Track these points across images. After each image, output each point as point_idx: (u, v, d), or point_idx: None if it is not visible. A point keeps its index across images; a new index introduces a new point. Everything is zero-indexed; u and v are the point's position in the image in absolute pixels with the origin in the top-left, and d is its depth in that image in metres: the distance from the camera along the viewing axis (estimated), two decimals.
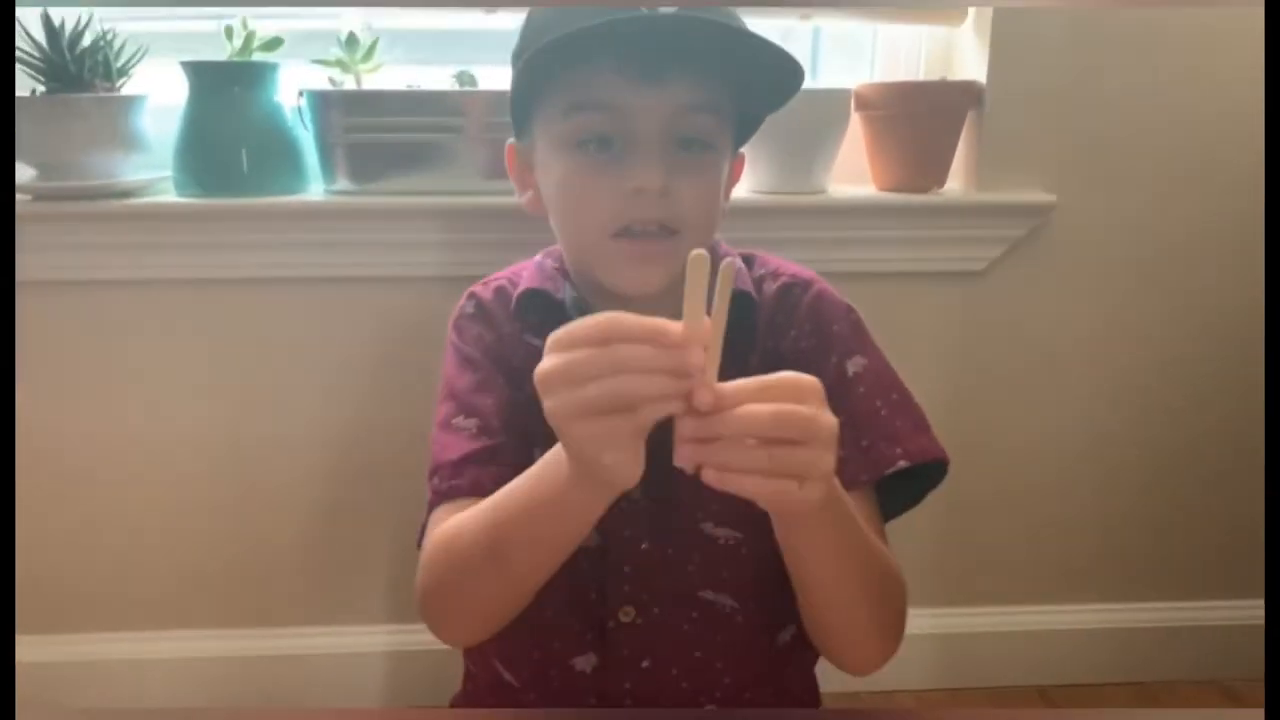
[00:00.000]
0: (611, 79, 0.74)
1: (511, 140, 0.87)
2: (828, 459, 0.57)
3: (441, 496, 0.80)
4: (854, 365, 0.84)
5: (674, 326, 0.53)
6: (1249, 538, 1.47)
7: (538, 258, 0.91)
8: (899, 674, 1.41)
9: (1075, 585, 1.50)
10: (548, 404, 0.55)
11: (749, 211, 1.25)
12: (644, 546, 0.82)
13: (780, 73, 0.75)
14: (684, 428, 0.55)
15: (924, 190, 1.29)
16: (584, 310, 0.83)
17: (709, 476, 0.55)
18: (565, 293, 0.85)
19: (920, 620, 1.43)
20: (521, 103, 0.82)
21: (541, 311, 0.85)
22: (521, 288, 0.87)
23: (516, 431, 0.82)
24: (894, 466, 0.81)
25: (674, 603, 0.83)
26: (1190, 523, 1.48)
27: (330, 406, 1.33)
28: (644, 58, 0.73)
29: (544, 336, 0.80)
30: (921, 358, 1.36)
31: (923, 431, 0.83)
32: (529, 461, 0.76)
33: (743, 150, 0.89)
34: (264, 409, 1.32)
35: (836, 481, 0.66)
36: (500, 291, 0.89)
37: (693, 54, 0.74)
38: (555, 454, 0.65)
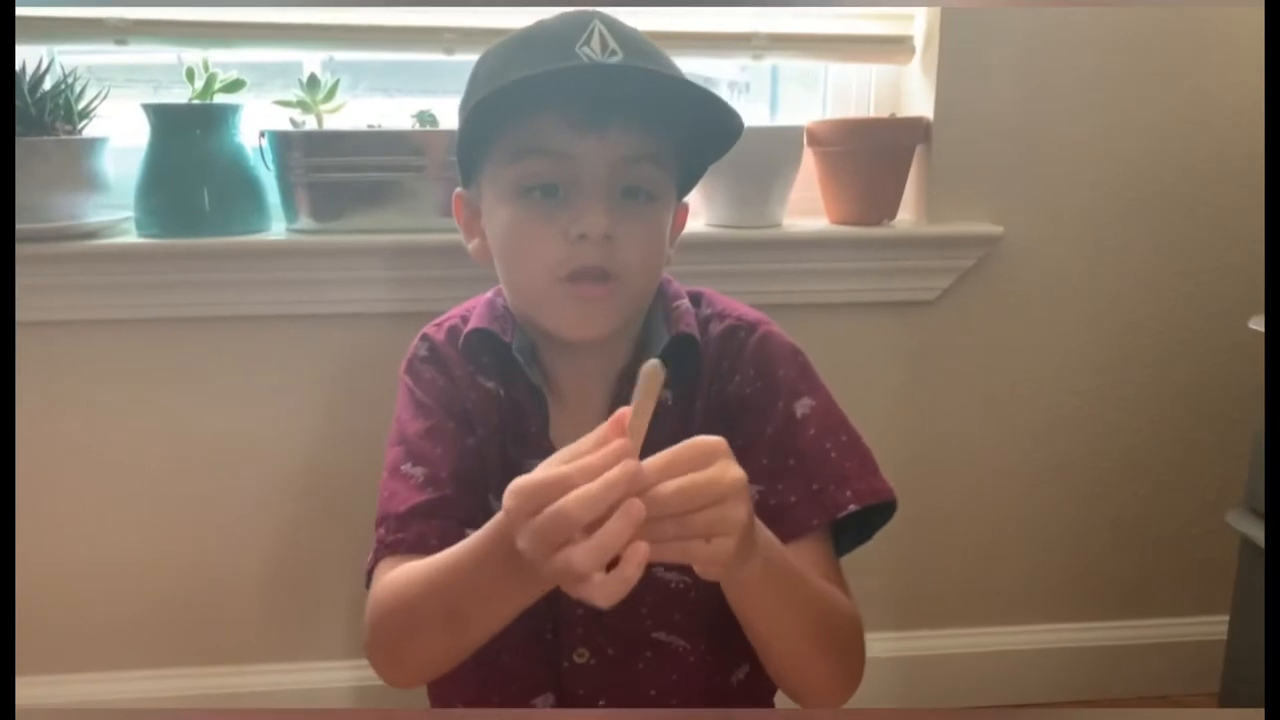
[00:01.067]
0: (556, 126, 0.75)
1: (459, 189, 0.88)
2: (736, 512, 0.58)
3: (387, 549, 0.80)
4: (801, 407, 0.84)
5: (623, 446, 0.56)
6: (1201, 554, 1.51)
7: (489, 295, 0.91)
8: (859, 698, 1.42)
9: (1032, 606, 1.51)
10: (541, 572, 0.57)
11: (707, 245, 1.27)
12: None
13: (719, 121, 0.77)
14: None
15: (875, 223, 1.32)
16: (529, 354, 0.84)
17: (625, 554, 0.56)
18: (514, 334, 0.86)
19: (879, 644, 1.45)
20: (468, 151, 0.83)
21: (489, 352, 0.86)
22: (469, 327, 0.87)
23: (466, 479, 0.82)
24: (845, 510, 0.80)
25: (627, 644, 0.84)
26: (1141, 541, 1.50)
27: (294, 443, 1.33)
28: (588, 106, 0.74)
29: (494, 377, 0.79)
30: (875, 386, 1.39)
31: (871, 473, 0.83)
32: (479, 508, 0.78)
33: (686, 201, 0.89)
34: (229, 449, 1.32)
35: (771, 537, 0.68)
36: (453, 332, 0.89)
37: (635, 103, 0.75)
38: (499, 543, 0.64)
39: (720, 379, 0.86)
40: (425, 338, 0.91)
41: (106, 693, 1.37)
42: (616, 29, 0.76)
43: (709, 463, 0.58)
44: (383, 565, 0.80)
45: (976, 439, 1.44)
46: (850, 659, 0.80)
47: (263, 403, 1.31)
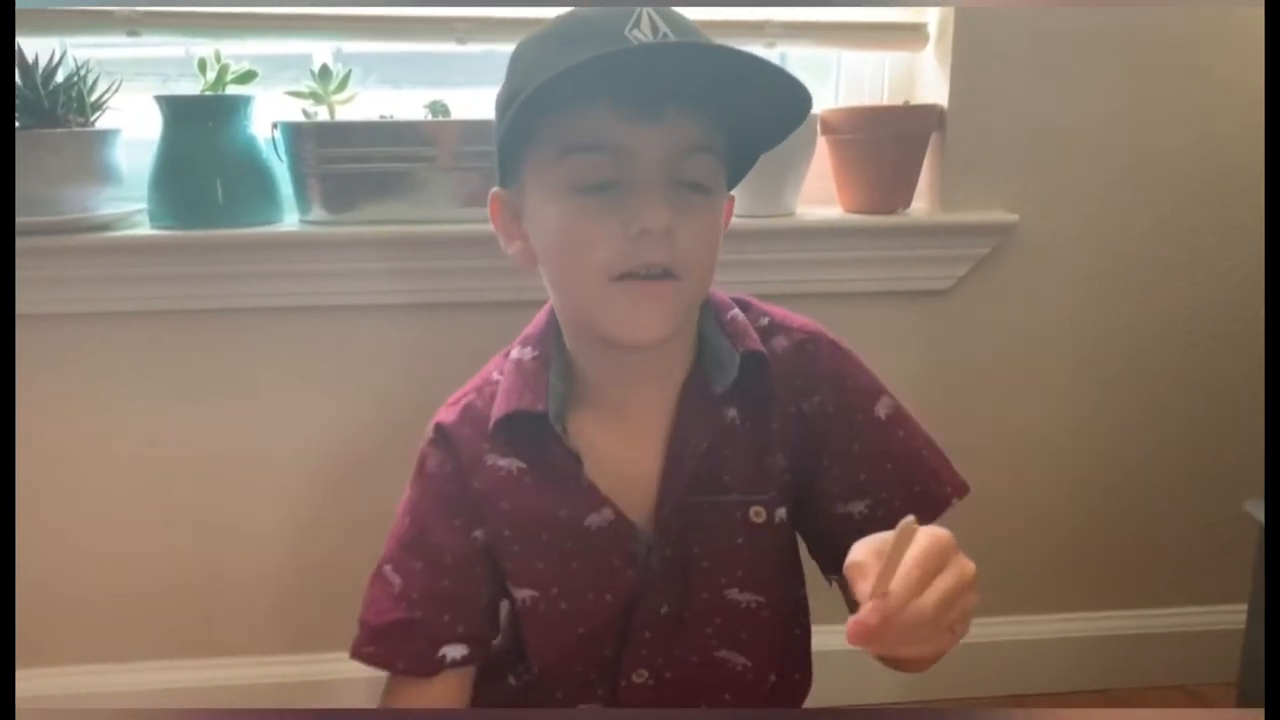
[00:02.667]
0: (608, 118, 0.70)
1: (496, 189, 0.81)
2: (973, 601, 0.60)
3: (361, 657, 0.84)
4: (884, 408, 0.84)
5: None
6: (1215, 543, 1.50)
7: (513, 353, 0.85)
8: (872, 688, 1.42)
9: (1045, 595, 1.51)
10: None
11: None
12: (663, 611, 0.82)
13: (785, 101, 0.71)
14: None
15: (890, 211, 1.31)
16: (566, 416, 0.81)
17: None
18: (549, 393, 0.80)
19: None
20: (510, 149, 0.76)
21: (519, 430, 0.81)
22: (499, 412, 0.81)
23: (445, 595, 0.83)
24: (949, 505, 0.82)
25: (688, 665, 0.83)
26: (1155, 531, 1.50)
27: (308, 434, 1.33)
28: (642, 94, 0.69)
29: (514, 454, 0.79)
30: (890, 376, 1.31)
31: (949, 465, 0.85)
32: (460, 619, 0.81)
33: (732, 193, 0.84)
34: (241, 439, 1.32)
35: None
36: (468, 410, 0.84)
37: (691, 89, 0.70)
38: None
39: (795, 397, 0.83)
40: (438, 425, 0.85)
41: (118, 684, 1.38)
42: (665, 13, 0.71)
43: (949, 560, 0.58)
44: (355, 663, 0.84)
45: (992, 429, 1.43)
46: None
47: (276, 394, 1.31)
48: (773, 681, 0.87)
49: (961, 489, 0.83)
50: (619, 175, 0.71)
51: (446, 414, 0.85)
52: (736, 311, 0.84)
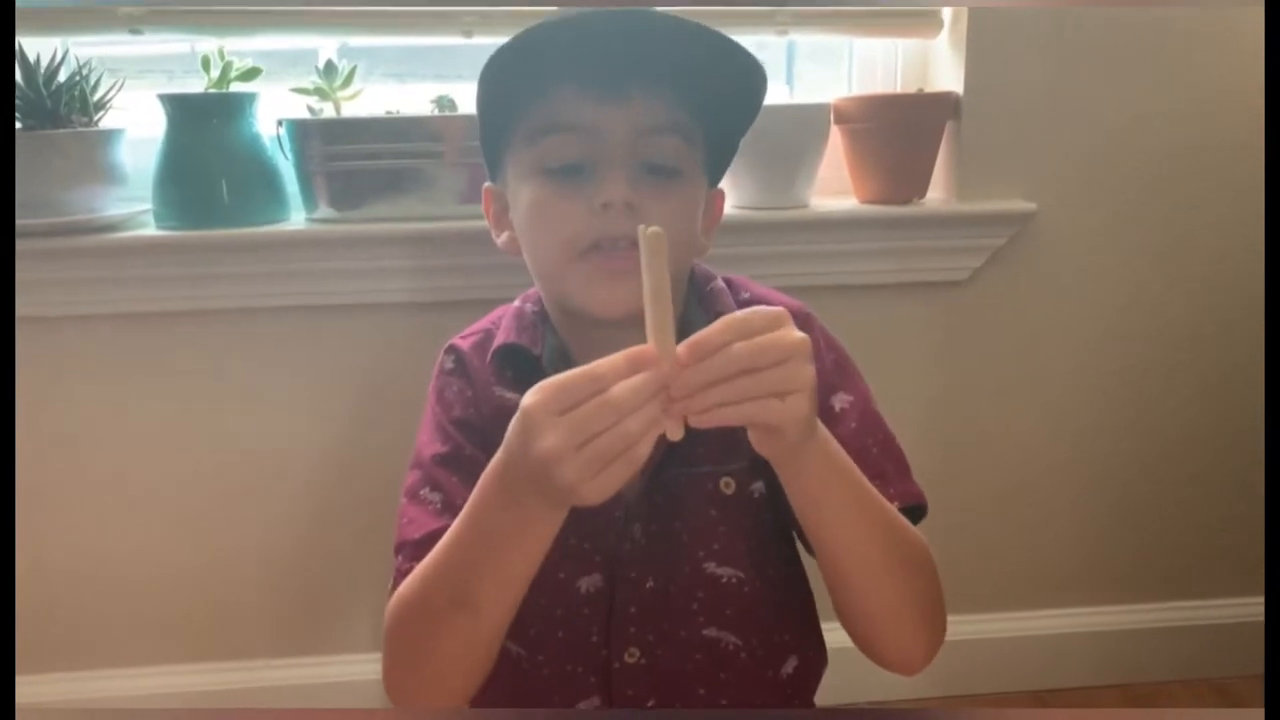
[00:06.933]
0: (575, 99, 0.74)
1: (488, 184, 0.86)
2: (806, 370, 0.59)
3: (404, 577, 0.78)
4: (839, 401, 0.83)
5: (646, 350, 0.58)
6: (1237, 536, 1.48)
7: (517, 303, 0.89)
8: (891, 684, 1.40)
9: (1066, 589, 1.50)
10: (562, 473, 0.57)
11: (732, 227, 1.23)
12: (649, 586, 0.81)
13: (741, 77, 0.75)
14: (674, 391, 0.58)
15: (905, 201, 1.29)
16: (561, 364, 0.82)
17: (698, 420, 0.58)
18: (544, 342, 0.84)
19: None
20: (491, 141, 0.81)
21: (517, 365, 0.84)
22: (497, 342, 0.85)
23: None
24: None
25: (678, 642, 0.82)
26: (1177, 523, 1.48)
27: (317, 435, 1.32)
28: (606, 75, 0.73)
29: (519, 390, 0.79)
30: (905, 370, 1.37)
31: (905, 475, 0.83)
32: None
33: (721, 187, 0.87)
34: (250, 442, 1.32)
35: (827, 432, 0.68)
36: (479, 344, 0.87)
37: (655, 67, 0.73)
38: (498, 491, 0.66)
39: None
40: (452, 349, 0.88)
41: (124, 689, 1.38)
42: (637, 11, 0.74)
43: (777, 326, 0.59)
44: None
45: (1009, 423, 1.41)
46: (929, 589, 0.77)
47: (284, 394, 1.31)
48: (791, 670, 0.86)
49: (908, 497, 0.80)
50: (587, 155, 0.75)
51: (461, 342, 0.88)
52: (718, 282, 0.86)
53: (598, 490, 0.58)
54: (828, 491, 0.70)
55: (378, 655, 1.34)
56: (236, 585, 1.37)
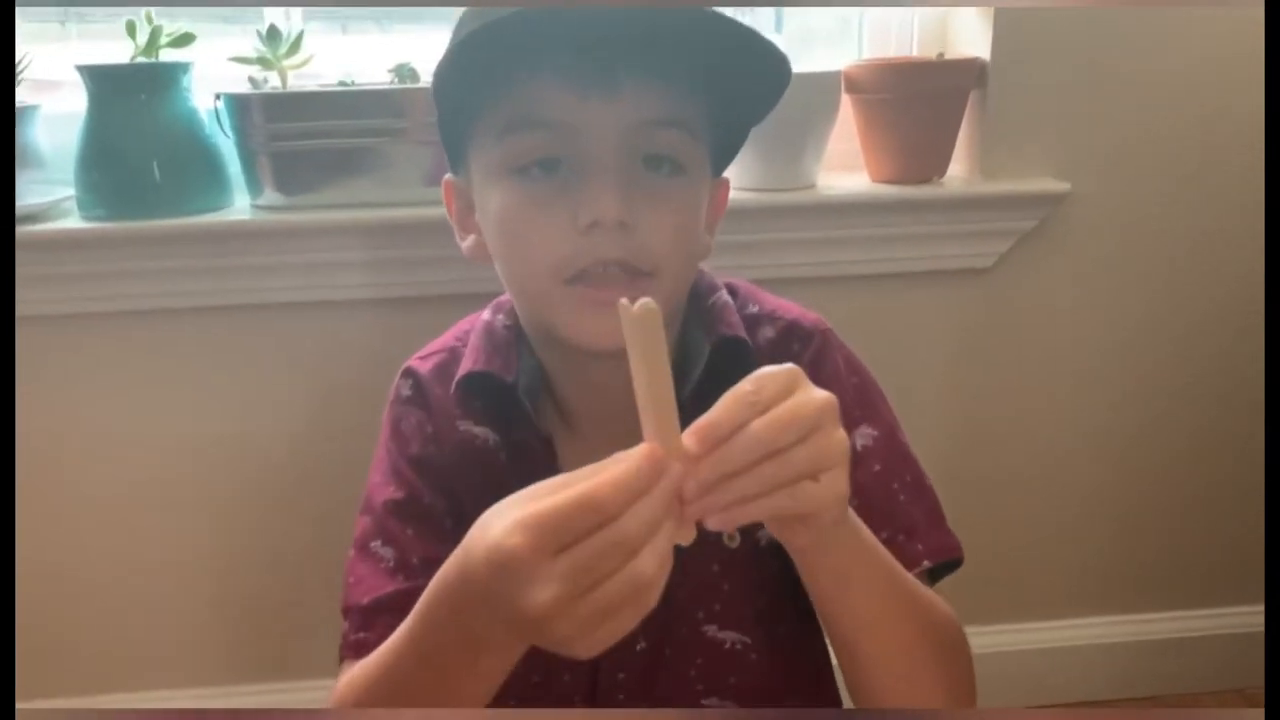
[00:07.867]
0: (552, 89, 0.64)
1: (449, 176, 0.76)
2: (837, 437, 0.52)
3: (351, 650, 0.71)
4: (861, 437, 0.75)
5: (650, 455, 0.48)
6: (1263, 541, 1.42)
7: (486, 315, 0.80)
8: None
9: (1091, 596, 1.46)
10: (557, 629, 0.48)
11: (730, 211, 1.14)
12: (639, 648, 0.74)
13: (759, 68, 0.65)
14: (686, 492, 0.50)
15: (924, 180, 1.24)
16: (537, 390, 0.75)
17: (718, 522, 0.50)
18: (519, 366, 0.75)
19: None
20: (450, 126, 0.71)
21: (487, 395, 0.76)
22: (464, 368, 0.76)
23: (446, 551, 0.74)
24: (918, 567, 0.71)
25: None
26: (1208, 525, 1.44)
27: (269, 447, 1.27)
28: (589, 64, 0.63)
29: (489, 424, 0.70)
30: (925, 365, 1.33)
31: (938, 524, 0.76)
32: None
33: (726, 176, 0.78)
34: (196, 452, 1.26)
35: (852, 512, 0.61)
36: (441, 368, 0.79)
37: (651, 52, 0.63)
38: (449, 619, 0.56)
39: None
40: (409, 373, 0.80)
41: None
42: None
43: (793, 389, 0.51)
44: (345, 667, 0.71)
45: (1031, 419, 1.37)
46: (960, 675, 0.70)
47: (230, 402, 1.25)
48: None
49: (939, 552, 0.73)
50: (566, 155, 0.65)
51: (420, 365, 0.81)
52: (721, 294, 0.78)
53: (598, 645, 0.48)
54: (856, 567, 0.62)
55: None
56: (182, 598, 1.32)
